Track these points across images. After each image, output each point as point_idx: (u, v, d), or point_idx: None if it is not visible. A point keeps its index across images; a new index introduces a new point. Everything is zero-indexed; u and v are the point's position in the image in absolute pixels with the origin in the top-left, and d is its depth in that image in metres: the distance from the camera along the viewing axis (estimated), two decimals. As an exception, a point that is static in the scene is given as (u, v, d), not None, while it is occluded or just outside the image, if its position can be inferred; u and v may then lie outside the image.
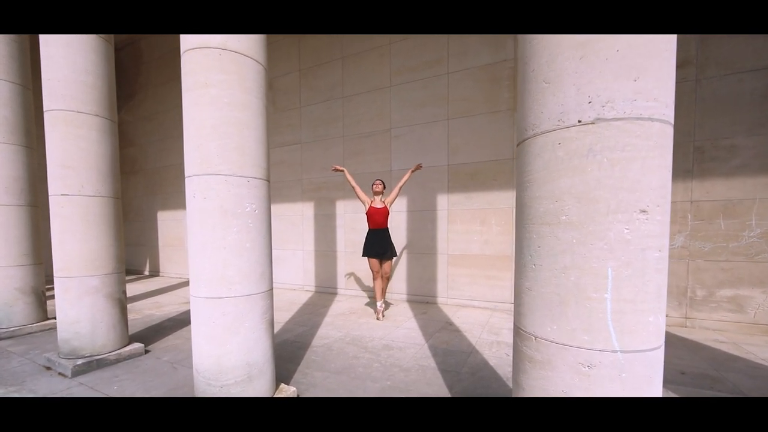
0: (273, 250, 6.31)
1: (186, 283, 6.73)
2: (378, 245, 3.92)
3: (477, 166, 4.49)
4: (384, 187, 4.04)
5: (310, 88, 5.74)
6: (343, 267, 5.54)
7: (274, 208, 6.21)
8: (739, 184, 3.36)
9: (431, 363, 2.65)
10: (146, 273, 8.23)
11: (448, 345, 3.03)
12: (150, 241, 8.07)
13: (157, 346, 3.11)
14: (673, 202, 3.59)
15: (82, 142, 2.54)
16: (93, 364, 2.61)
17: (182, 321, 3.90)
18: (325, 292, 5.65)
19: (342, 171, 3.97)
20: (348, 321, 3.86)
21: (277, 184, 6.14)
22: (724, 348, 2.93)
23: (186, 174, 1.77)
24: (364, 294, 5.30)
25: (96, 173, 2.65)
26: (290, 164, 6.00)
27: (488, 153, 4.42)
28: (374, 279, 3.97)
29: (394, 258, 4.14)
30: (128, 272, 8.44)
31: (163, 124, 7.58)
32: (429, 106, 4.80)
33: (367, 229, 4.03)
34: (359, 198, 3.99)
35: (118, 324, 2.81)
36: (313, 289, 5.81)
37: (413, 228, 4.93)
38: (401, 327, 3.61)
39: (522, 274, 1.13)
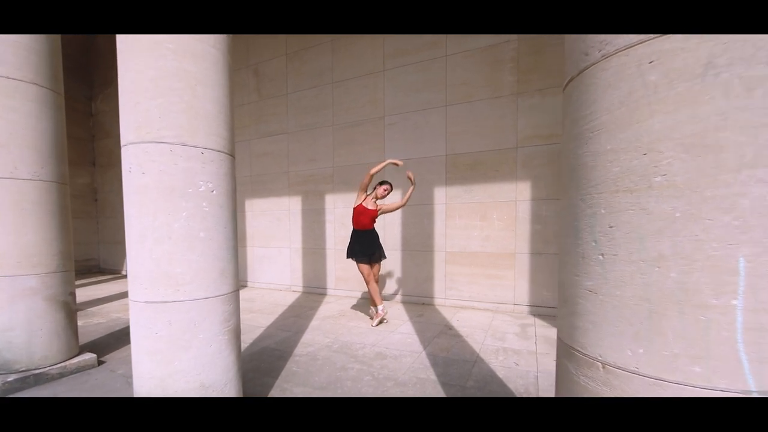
0: (258, 249, 5.91)
1: (164, 284, 6.27)
2: (367, 246, 3.54)
3: (477, 156, 4.15)
4: (390, 190, 3.67)
5: (298, 73, 5.34)
6: (333, 265, 5.15)
7: (258, 203, 5.79)
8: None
9: (431, 375, 2.29)
10: (123, 273, 7.72)
11: (448, 353, 2.68)
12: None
13: (115, 356, 2.70)
14: (691, 194, 3.29)
15: (12, 114, 2.11)
16: (29, 381, 2.19)
17: (150, 326, 3.47)
18: (314, 293, 5.25)
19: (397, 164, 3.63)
20: (337, 325, 3.48)
21: (262, 178, 5.72)
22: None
23: (121, 142, 1.38)
24: (356, 294, 4.93)
25: (34, 153, 2.22)
26: (276, 156, 5.60)
27: (490, 142, 4.08)
28: (367, 283, 3.55)
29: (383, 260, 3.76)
30: (104, 272, 7.92)
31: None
32: (425, 92, 4.44)
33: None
34: (362, 186, 3.54)
35: (63, 332, 2.39)
36: (300, 289, 5.41)
37: (408, 223, 4.56)
38: (396, 332, 3.24)
39: (577, 268, 0.77)
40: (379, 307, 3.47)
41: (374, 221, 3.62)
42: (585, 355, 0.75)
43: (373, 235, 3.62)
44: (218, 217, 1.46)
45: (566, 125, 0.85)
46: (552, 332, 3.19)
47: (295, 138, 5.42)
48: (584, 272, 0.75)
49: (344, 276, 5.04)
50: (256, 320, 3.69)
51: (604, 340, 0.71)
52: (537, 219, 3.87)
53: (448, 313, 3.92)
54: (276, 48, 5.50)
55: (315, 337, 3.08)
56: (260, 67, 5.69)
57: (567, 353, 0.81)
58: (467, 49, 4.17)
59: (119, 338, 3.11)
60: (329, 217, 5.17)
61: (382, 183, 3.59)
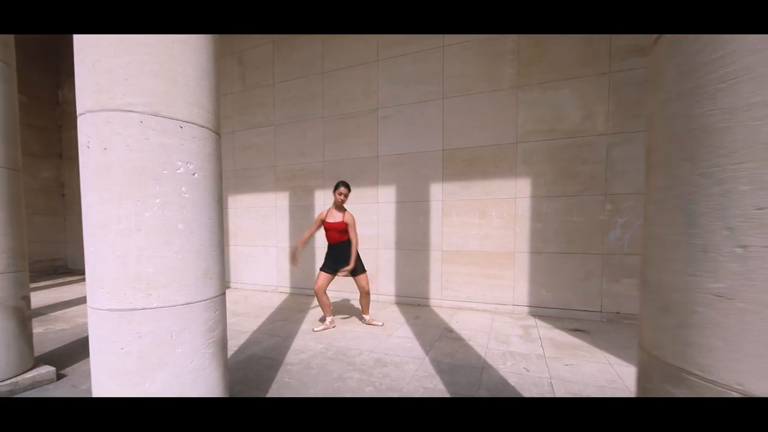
0: (242, 247, 5.57)
1: (138, 285, 5.84)
2: (335, 260, 3.21)
3: (476, 151, 3.99)
4: (348, 194, 3.20)
5: (285, 62, 5.05)
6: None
7: (243, 198, 5.47)
8: (767, 171, 3.03)
9: (438, 384, 2.09)
10: (93, 273, 7.19)
11: (453, 358, 2.49)
12: (98, 236, 7.04)
13: (79, 369, 2.37)
14: (694, 191, 3.22)
15: (-53, 85, 1.78)
16: (-30, 401, 1.86)
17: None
18: (302, 294, 4.98)
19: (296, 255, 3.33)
20: (329, 329, 3.24)
21: (247, 172, 5.40)
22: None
23: (78, 110, 1.11)
24: (346, 296, 4.69)
25: (-23, 133, 1.89)
26: (262, 149, 5.29)
27: (488, 137, 3.93)
28: (319, 296, 3.21)
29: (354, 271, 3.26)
30: (72, 273, 7.36)
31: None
32: (421, 83, 4.25)
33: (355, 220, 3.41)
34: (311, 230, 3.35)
35: (14, 342, 2.06)
36: (288, 290, 5.12)
37: (403, 221, 4.37)
38: (393, 335, 3.03)
39: (694, 266, 0.58)
40: (328, 319, 3.22)
41: (341, 233, 3.21)
42: (710, 381, 0.56)
43: (342, 248, 3.23)
44: (201, 206, 1.21)
45: (663, 84, 0.66)
46: (555, 334, 3.06)
47: (282, 130, 5.13)
48: (708, 271, 0.56)
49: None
50: (242, 324, 3.40)
51: (743, 362, 0.52)
52: (537, 217, 3.75)
53: (445, 315, 3.74)
54: (262, 35, 5.19)
55: (307, 343, 2.83)
56: (245, 55, 5.36)
57: (670, 376, 0.62)
58: (465, 40, 4.01)
59: (85, 346, 2.76)
60: (318, 214, 4.90)
61: (336, 187, 3.17)
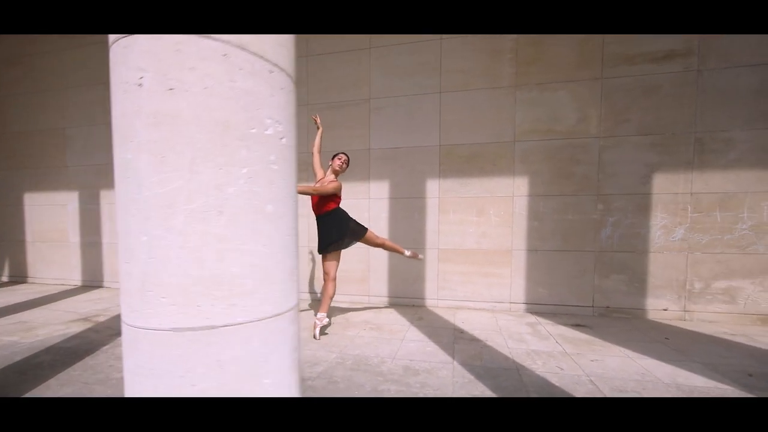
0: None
1: (73, 292, 4.86)
2: (326, 233, 2.96)
3: (474, 148, 3.94)
4: (347, 161, 3.11)
5: (266, 40, 4.55)
6: (305, 266, 4.49)
7: (209, 191, 4.82)
8: (734, 177, 3.40)
9: (484, 389, 1.93)
10: (4, 279, 5.88)
11: (482, 361, 2.36)
12: (12, 234, 5.76)
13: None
14: (674, 194, 3.51)
15: None
16: None
17: (71, 352, 2.49)
18: (281, 298, 4.52)
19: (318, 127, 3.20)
20: (332, 334, 2.92)
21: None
22: (743, 341, 2.84)
23: (111, 39, 0.74)
24: (339, 296, 4.34)
25: None
26: (234, 136, 4.70)
27: (487, 134, 3.90)
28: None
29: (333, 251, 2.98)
30: (-27, 278, 5.92)
31: (35, 71, 5.43)
32: (418, 76, 4.10)
33: (347, 211, 3.15)
34: (313, 168, 3.21)
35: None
36: (264, 293, 4.62)
37: (397, 218, 4.16)
38: (405, 339, 2.82)
39: None
40: (318, 315, 2.85)
41: (327, 203, 2.97)
42: None
43: (326, 221, 2.97)
44: (288, 182, 0.90)
45: None
46: (562, 330, 3.09)
47: (259, 116, 4.61)
48: None
49: (319, 277, 4.42)
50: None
51: None
52: (534, 215, 3.80)
53: (446, 315, 3.62)
54: None
55: (315, 353, 2.49)
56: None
57: None
58: (464, 35, 3.94)
59: (24, 372, 2.13)
60: (301, 210, 4.48)
61: (336, 155, 3.06)
